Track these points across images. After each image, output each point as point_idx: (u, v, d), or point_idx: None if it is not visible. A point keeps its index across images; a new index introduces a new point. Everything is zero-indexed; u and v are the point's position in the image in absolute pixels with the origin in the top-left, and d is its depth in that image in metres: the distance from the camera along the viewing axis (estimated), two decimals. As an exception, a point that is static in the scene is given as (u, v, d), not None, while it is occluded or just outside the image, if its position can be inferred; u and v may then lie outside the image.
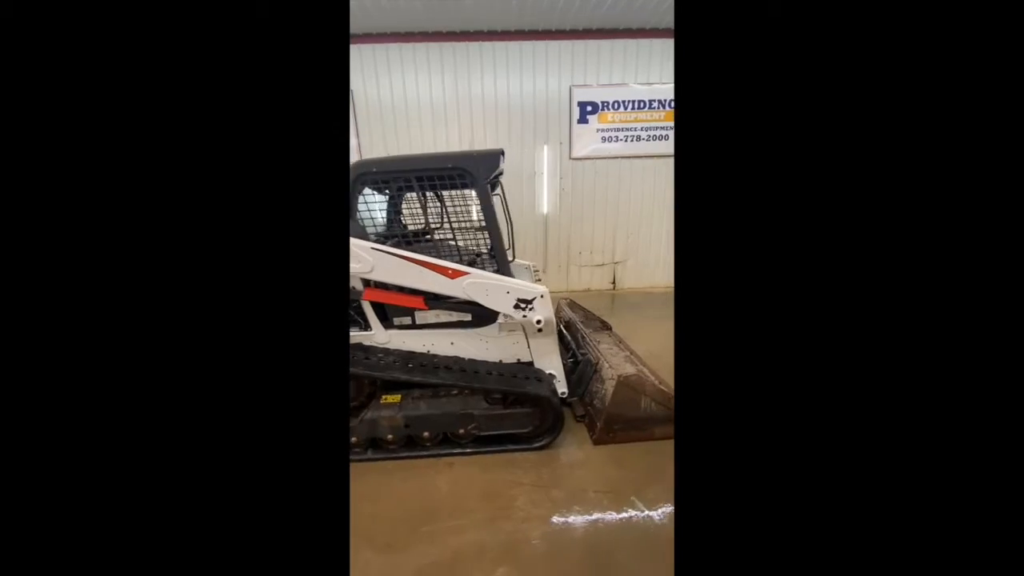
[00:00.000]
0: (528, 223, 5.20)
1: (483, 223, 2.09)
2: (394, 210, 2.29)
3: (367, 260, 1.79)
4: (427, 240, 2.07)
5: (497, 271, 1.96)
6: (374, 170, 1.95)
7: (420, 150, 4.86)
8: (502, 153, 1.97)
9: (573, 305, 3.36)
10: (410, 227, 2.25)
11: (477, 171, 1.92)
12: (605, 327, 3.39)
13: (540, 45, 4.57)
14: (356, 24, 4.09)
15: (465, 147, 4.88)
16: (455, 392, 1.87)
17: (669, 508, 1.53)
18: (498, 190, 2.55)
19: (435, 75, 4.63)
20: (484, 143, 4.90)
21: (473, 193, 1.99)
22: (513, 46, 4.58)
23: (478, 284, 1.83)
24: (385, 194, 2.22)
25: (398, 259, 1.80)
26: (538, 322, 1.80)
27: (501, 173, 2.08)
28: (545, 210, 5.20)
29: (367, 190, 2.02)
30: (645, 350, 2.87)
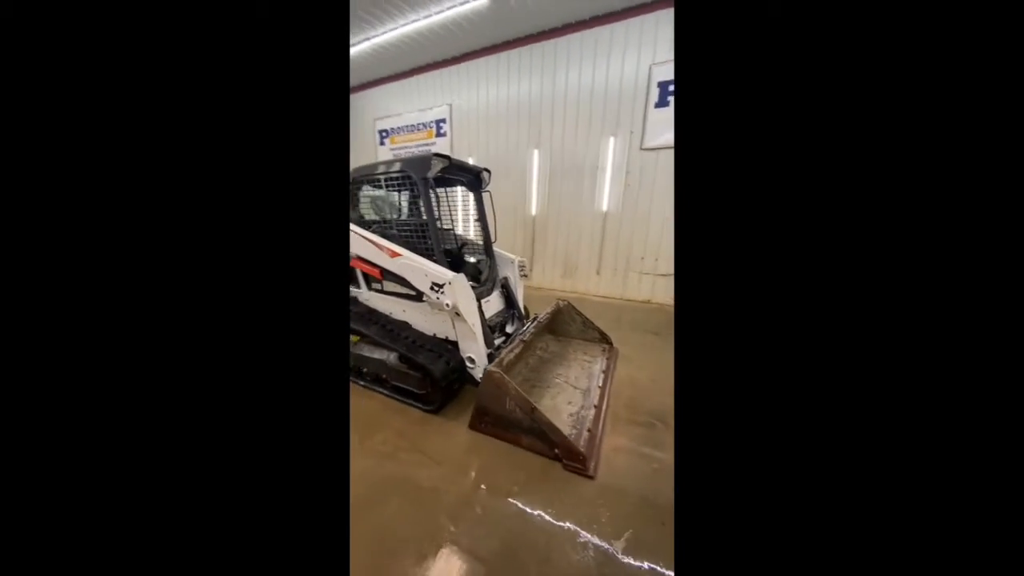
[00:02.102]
0: (585, 221, 4.95)
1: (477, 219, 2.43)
2: (378, 202, 2.86)
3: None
4: (405, 227, 2.53)
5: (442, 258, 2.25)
6: (356, 175, 2.58)
7: (495, 151, 5.39)
8: (437, 156, 2.21)
9: (569, 309, 3.15)
10: (402, 217, 2.80)
11: (414, 172, 2.25)
12: (603, 340, 3.05)
13: (618, 27, 4.18)
14: (439, 51, 4.86)
15: (530, 145, 5.07)
16: (388, 346, 2.31)
17: (457, 489, 1.54)
18: (486, 189, 2.78)
19: (513, 81, 4.97)
20: (551, 140, 4.93)
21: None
22: (588, 35, 4.37)
23: (407, 264, 2.15)
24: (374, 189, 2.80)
25: (359, 237, 2.36)
26: (447, 305, 2.00)
27: (441, 173, 2.30)
28: (605, 207, 4.80)
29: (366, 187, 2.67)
30: (647, 376, 2.46)
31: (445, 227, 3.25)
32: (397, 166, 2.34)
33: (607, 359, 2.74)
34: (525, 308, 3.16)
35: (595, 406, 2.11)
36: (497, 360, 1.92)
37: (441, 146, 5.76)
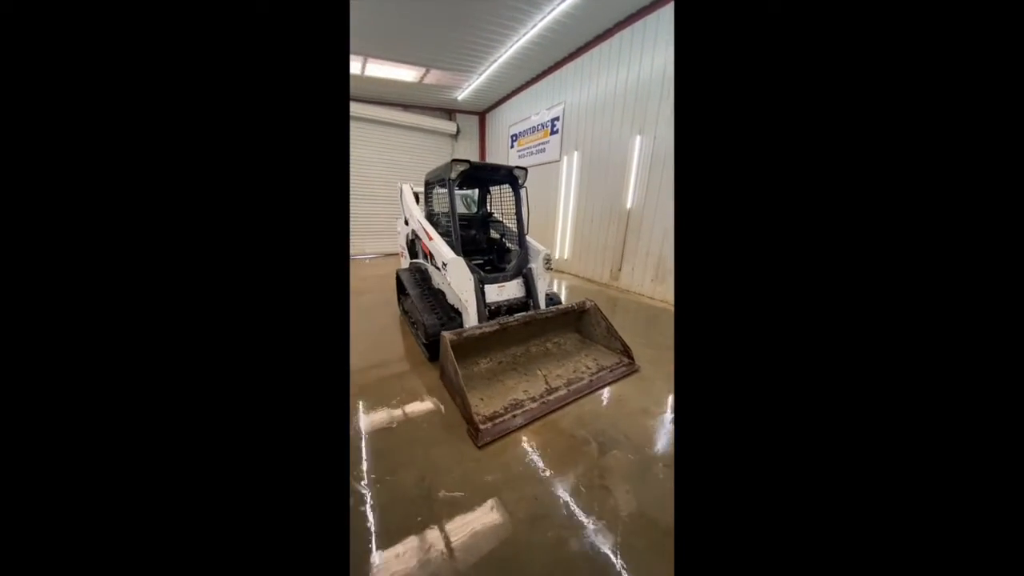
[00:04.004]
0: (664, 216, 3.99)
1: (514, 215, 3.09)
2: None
3: (414, 222, 3.36)
4: (444, 217, 3.19)
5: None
6: (426, 178, 3.37)
7: (598, 141, 5.21)
8: (457, 161, 2.67)
9: (596, 312, 2.87)
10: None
11: (443, 175, 2.78)
12: (624, 353, 2.65)
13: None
14: (553, 53, 5.01)
15: (633, 131, 4.56)
16: (416, 304, 2.99)
17: (396, 402, 2.06)
18: (522, 186, 3.05)
19: (613, 68, 4.61)
20: (657, 124, 4.28)
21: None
22: None
23: (433, 246, 2.82)
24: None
25: (419, 223, 3.18)
26: (449, 281, 2.55)
27: (460, 176, 2.73)
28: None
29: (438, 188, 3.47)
30: (640, 403, 2.33)
31: (495, 220, 3.70)
32: (436, 172, 3.00)
33: (612, 372, 2.46)
34: (549, 298, 3.20)
35: (544, 403, 2.08)
36: (457, 330, 2.26)
37: (553, 143, 6.06)
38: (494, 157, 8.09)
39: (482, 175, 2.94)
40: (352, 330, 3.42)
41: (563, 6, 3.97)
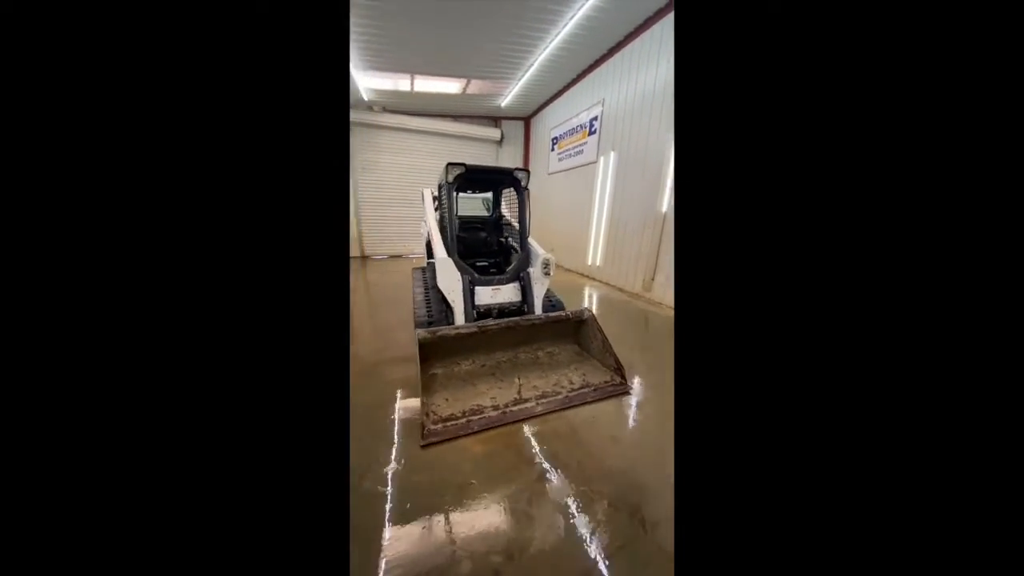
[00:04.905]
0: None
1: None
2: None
3: (425, 224, 3.52)
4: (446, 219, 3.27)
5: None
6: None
7: (635, 141, 4.83)
8: (452, 164, 2.73)
9: (593, 323, 2.62)
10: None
11: (443, 179, 2.83)
12: (616, 372, 2.36)
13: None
14: (592, 51, 4.77)
15: (671, 128, 4.09)
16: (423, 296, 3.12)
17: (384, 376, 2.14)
18: (524, 188, 3.01)
19: (652, 63, 4.19)
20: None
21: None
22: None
23: (434, 245, 2.93)
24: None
25: (429, 226, 3.33)
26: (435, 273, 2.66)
27: (459, 177, 2.77)
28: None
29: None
30: (612, 432, 2.23)
31: (504, 222, 3.68)
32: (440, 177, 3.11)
33: (596, 391, 2.24)
34: (551, 304, 3.06)
35: (505, 413, 2.00)
36: (432, 329, 2.30)
37: (590, 144, 5.80)
38: (537, 161, 8.07)
39: (482, 177, 2.97)
40: (378, 321, 3.75)
41: (590, 1, 3.79)
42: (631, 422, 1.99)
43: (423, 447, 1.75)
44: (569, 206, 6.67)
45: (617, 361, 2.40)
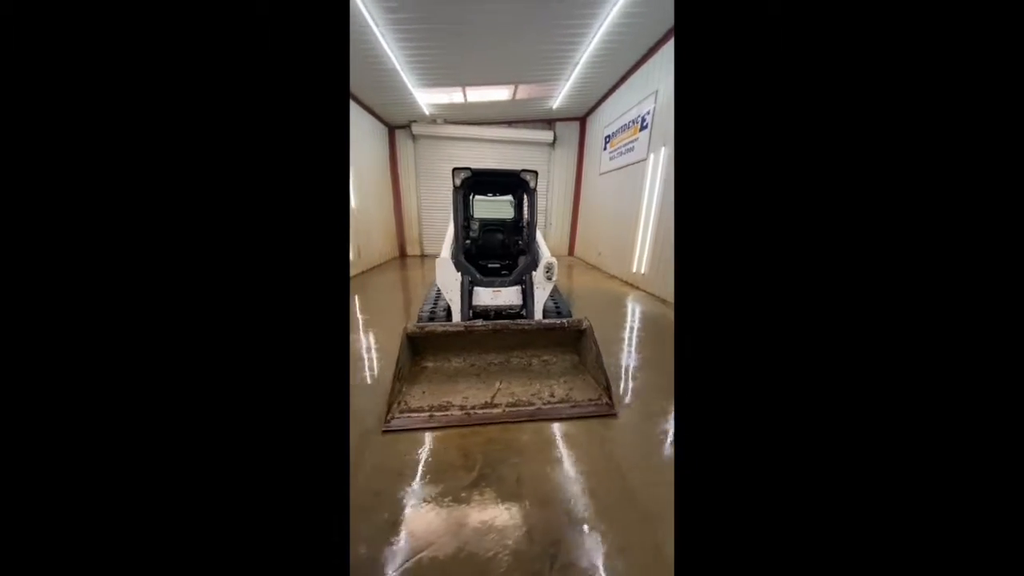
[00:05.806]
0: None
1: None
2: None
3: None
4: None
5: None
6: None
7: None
8: (458, 169, 2.81)
9: (591, 335, 2.37)
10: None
11: (454, 182, 2.92)
12: (605, 393, 2.10)
13: None
14: (644, 40, 4.32)
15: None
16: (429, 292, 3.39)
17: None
18: (532, 190, 2.97)
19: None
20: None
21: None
22: None
23: (445, 242, 3.07)
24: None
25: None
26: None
27: (466, 181, 2.81)
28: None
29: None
30: (587, 464, 2.10)
31: (522, 225, 3.64)
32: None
33: (574, 408, 2.08)
34: (557, 310, 2.92)
35: (468, 414, 2.00)
36: (420, 324, 2.42)
37: (641, 140, 5.30)
38: (590, 162, 7.73)
39: (490, 179, 3.00)
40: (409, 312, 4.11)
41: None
42: (598, 450, 1.76)
43: (383, 432, 1.86)
44: (616, 208, 6.21)
45: (607, 380, 2.15)
